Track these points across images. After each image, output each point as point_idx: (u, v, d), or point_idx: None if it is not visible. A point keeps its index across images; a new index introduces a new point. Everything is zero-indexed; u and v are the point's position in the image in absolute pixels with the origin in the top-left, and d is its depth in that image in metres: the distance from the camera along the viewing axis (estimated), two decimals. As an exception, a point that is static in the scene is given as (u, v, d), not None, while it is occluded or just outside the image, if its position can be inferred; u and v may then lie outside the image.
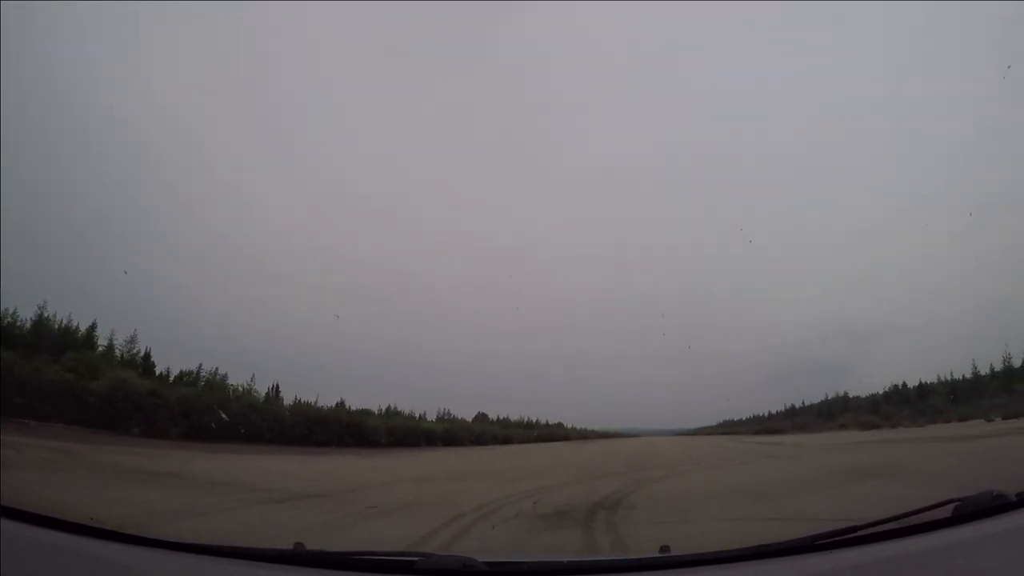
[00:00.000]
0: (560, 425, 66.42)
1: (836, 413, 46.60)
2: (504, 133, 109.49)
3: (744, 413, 73.18)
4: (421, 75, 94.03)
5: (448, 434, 40.43)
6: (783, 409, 60.22)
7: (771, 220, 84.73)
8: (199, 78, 73.39)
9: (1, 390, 16.89)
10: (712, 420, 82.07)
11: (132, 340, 29.74)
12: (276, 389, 32.74)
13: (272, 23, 74.63)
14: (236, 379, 30.99)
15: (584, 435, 68.53)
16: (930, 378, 41.79)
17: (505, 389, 67.62)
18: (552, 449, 38.21)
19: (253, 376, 30.61)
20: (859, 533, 1.96)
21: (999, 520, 1.87)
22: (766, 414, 64.83)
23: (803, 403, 56.35)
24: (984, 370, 37.36)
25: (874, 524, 1.99)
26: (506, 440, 48.94)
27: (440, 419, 45.86)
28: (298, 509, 9.57)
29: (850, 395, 49.11)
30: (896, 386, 43.52)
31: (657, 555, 2.27)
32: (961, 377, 38.67)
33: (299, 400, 32.57)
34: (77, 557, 2.02)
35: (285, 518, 8.46)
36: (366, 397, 39.59)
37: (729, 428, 72.58)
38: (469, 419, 50.00)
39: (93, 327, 28.36)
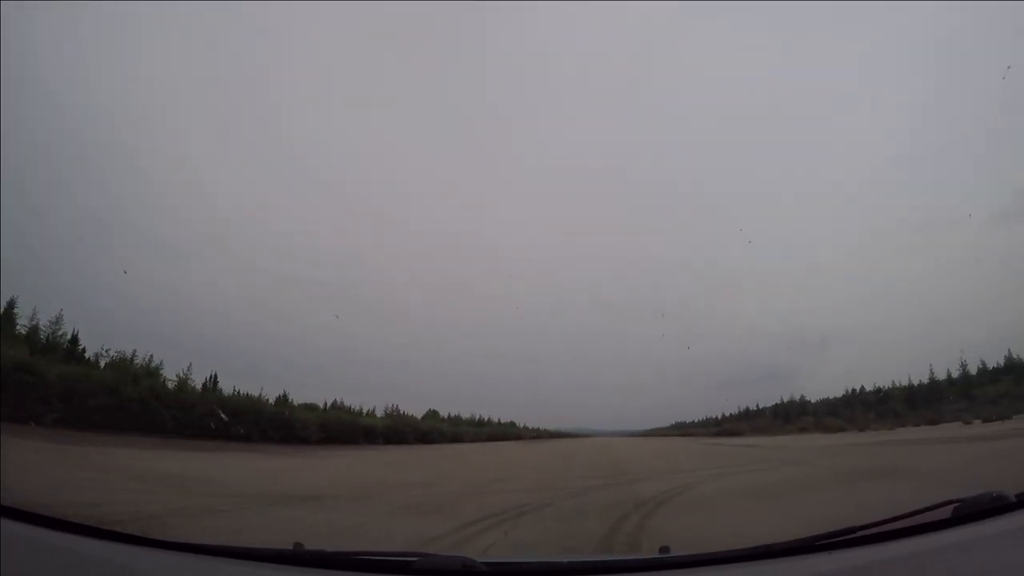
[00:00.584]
0: (512, 424, 65.95)
1: (793, 416, 46.76)
2: (475, 132, 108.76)
3: (695, 415, 74.01)
4: (405, 75, 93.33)
5: (391, 431, 37.64)
6: (736, 412, 60.04)
7: (726, 228, 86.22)
8: (194, 77, 72.45)
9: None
10: (663, 422, 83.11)
11: (57, 321, 26.98)
12: (214, 379, 30.22)
13: (262, 23, 72.91)
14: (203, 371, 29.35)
15: (538, 435, 68.06)
16: (881, 384, 42.18)
17: (457, 387, 67.70)
18: (504, 450, 34.95)
19: (190, 365, 28.10)
20: (859, 534, 1.97)
21: (998, 521, 1.88)
22: (720, 416, 64.16)
23: (757, 406, 56.08)
24: (940, 376, 38.32)
25: (874, 524, 2.00)
26: (455, 438, 46.86)
27: (388, 415, 43.58)
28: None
29: (806, 399, 49.20)
30: (854, 390, 43.68)
31: (657, 555, 2.27)
32: (918, 383, 39.57)
33: (238, 392, 29.95)
34: (77, 557, 2.01)
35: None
36: (322, 392, 39.60)
37: (682, 430, 72.54)
38: (420, 416, 48.39)
39: (12, 305, 25.74)
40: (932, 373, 38.36)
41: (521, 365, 78.17)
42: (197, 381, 28.67)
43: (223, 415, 24.24)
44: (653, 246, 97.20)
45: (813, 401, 48.27)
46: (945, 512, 1.98)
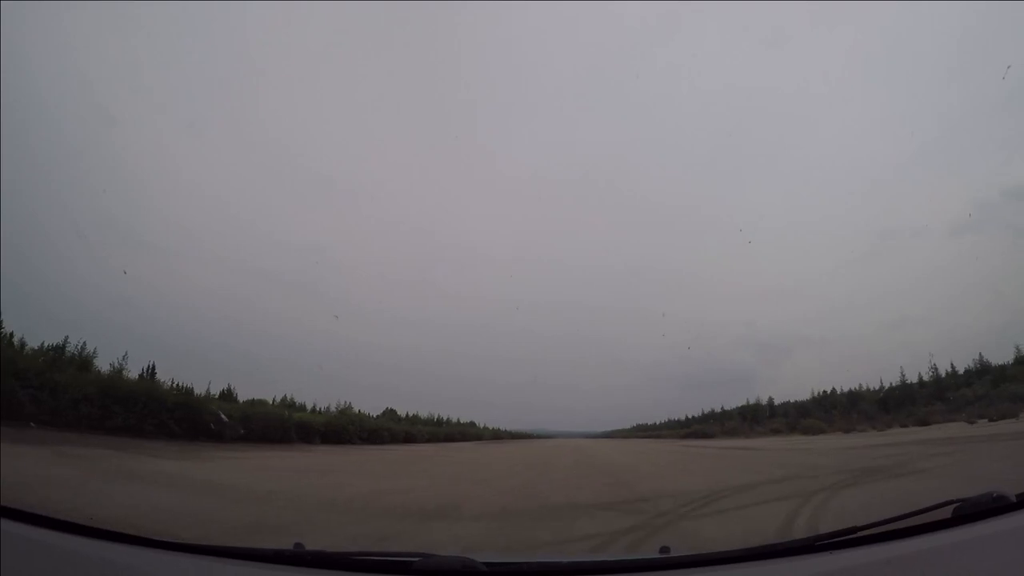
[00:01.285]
0: (472, 424, 65.82)
1: (763, 418, 46.63)
2: (447, 132, 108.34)
3: (656, 417, 75.35)
4: (399, 79, 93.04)
5: (330, 428, 33.72)
6: (700, 414, 61.43)
7: (692, 234, 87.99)
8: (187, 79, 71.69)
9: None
10: (624, 423, 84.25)
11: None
12: (151, 369, 27.26)
13: (241, 25, 71.60)
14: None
15: (497, 435, 68.22)
16: (846, 387, 42.77)
17: (417, 387, 68.44)
18: (461, 454, 28.82)
19: (126, 354, 25.10)
20: (859, 534, 1.99)
21: (999, 521, 1.90)
22: (684, 418, 66.07)
23: (722, 408, 56.71)
24: (910, 379, 38.67)
25: (874, 525, 2.01)
26: (408, 438, 43.53)
27: (342, 412, 40.12)
28: None
29: (774, 402, 49.57)
30: (825, 392, 43.89)
31: (657, 555, 2.27)
32: (889, 385, 40.07)
33: (178, 385, 27.31)
34: (77, 557, 2.01)
35: None
36: (280, 389, 39.55)
37: (645, 431, 73.40)
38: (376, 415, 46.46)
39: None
40: (903, 376, 38.91)
41: (480, 366, 78.71)
42: (133, 371, 25.54)
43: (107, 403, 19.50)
44: (620, 250, 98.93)
45: (778, 403, 48.71)
46: (945, 512, 2.00)
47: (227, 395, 32.72)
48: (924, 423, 28.09)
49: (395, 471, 16.11)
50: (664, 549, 2.48)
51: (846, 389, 42.58)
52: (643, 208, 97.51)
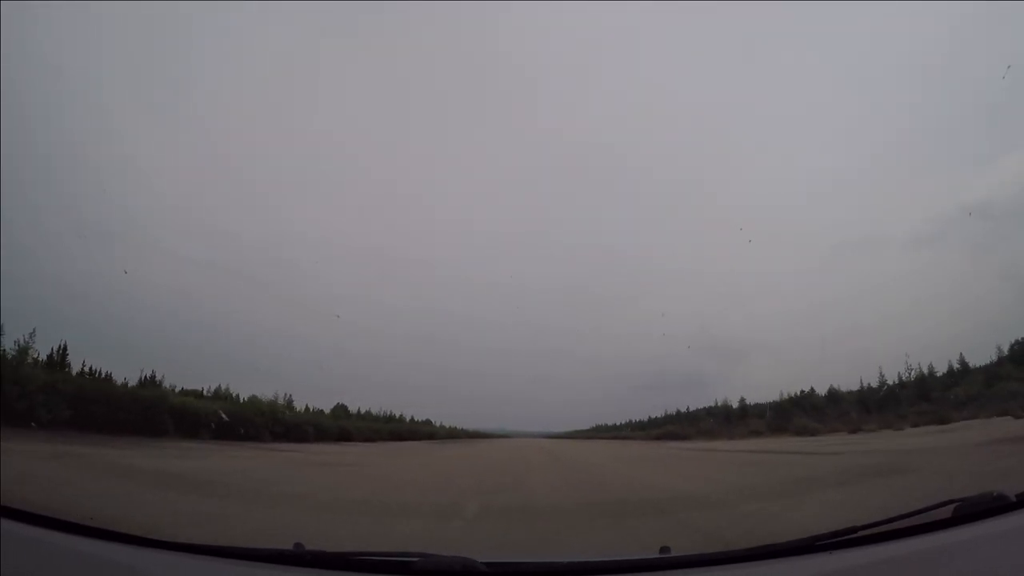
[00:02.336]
0: (428, 422, 63.51)
1: (735, 419, 45.40)
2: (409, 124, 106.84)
3: (615, 418, 74.30)
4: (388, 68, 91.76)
5: (235, 419, 26.44)
6: (662, 415, 59.85)
7: (653, 234, 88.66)
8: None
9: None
10: (583, 424, 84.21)
11: None
12: (62, 349, 25.03)
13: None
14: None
15: (453, 434, 66.32)
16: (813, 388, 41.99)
17: (370, 383, 66.21)
18: (403, 458, 23.39)
19: (33, 331, 22.31)
20: (859, 534, 1.98)
21: (999, 521, 1.89)
22: (646, 419, 64.02)
23: (687, 408, 55.56)
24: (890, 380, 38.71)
25: (874, 525, 2.01)
26: (341, 435, 36.78)
27: (251, 400, 33.55)
28: None
29: (745, 401, 48.06)
30: (803, 391, 42.53)
31: (657, 555, 2.26)
32: (867, 386, 39.76)
33: (91, 369, 25.57)
34: (77, 557, 2.01)
35: None
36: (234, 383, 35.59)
37: (605, 432, 72.14)
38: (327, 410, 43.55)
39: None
40: (883, 376, 38.71)
41: (435, 362, 78.16)
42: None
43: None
44: (579, 248, 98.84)
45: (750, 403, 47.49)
46: (945, 512, 2.00)
47: (148, 382, 28.56)
48: (943, 421, 25.70)
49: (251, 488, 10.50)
50: (664, 549, 2.45)
51: (831, 387, 41.66)
52: (605, 209, 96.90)
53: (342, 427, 39.12)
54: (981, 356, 34.46)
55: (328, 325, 68.81)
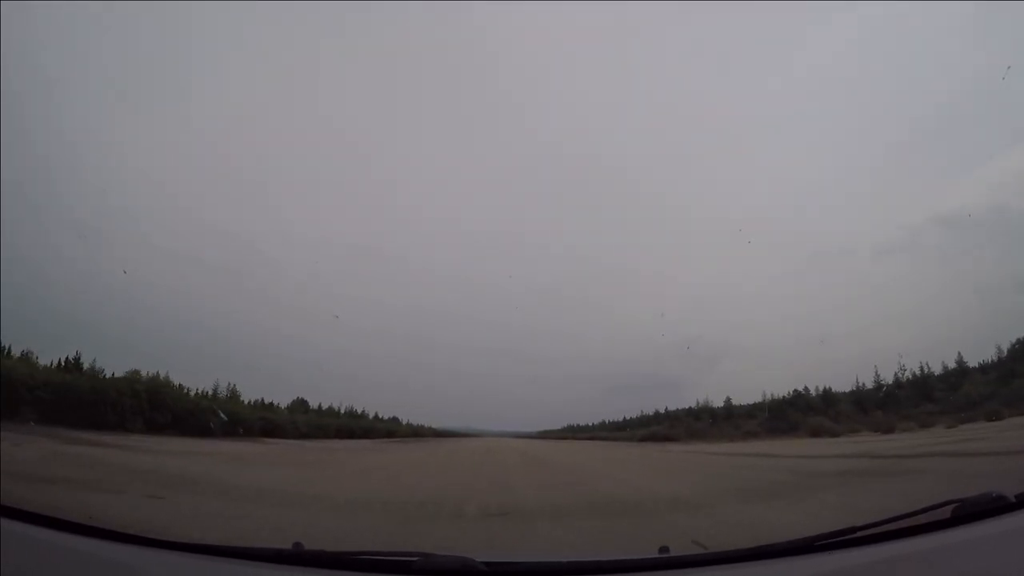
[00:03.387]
0: (395, 420, 61.90)
1: (720, 419, 44.32)
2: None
3: (587, 418, 73.87)
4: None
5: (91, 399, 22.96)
6: (638, 415, 59.26)
7: (629, 238, 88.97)
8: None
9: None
10: (554, 424, 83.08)
11: None
12: None
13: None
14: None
15: (417, 432, 64.36)
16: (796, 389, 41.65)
17: (332, 379, 65.66)
18: (327, 466, 18.44)
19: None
20: (859, 534, 1.98)
21: (998, 521, 1.90)
22: (623, 419, 63.27)
23: (666, 409, 54.43)
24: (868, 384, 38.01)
25: (874, 525, 2.01)
26: (266, 430, 32.90)
27: (153, 380, 28.64)
28: None
29: (731, 402, 47.18)
30: (798, 391, 41.70)
31: (657, 555, 2.27)
32: (862, 386, 39.00)
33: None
34: (77, 557, 2.01)
35: None
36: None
37: (578, 432, 71.32)
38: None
39: None
40: (878, 376, 38.32)
41: (403, 358, 77.67)
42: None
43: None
44: (554, 249, 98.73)
45: (740, 405, 46.53)
46: (945, 512, 2.00)
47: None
48: (996, 417, 23.36)
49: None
50: (664, 549, 2.46)
51: (825, 387, 41.17)
52: (575, 209, 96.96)
53: (265, 418, 35.80)
54: (978, 356, 34.56)
55: (299, 319, 68.91)
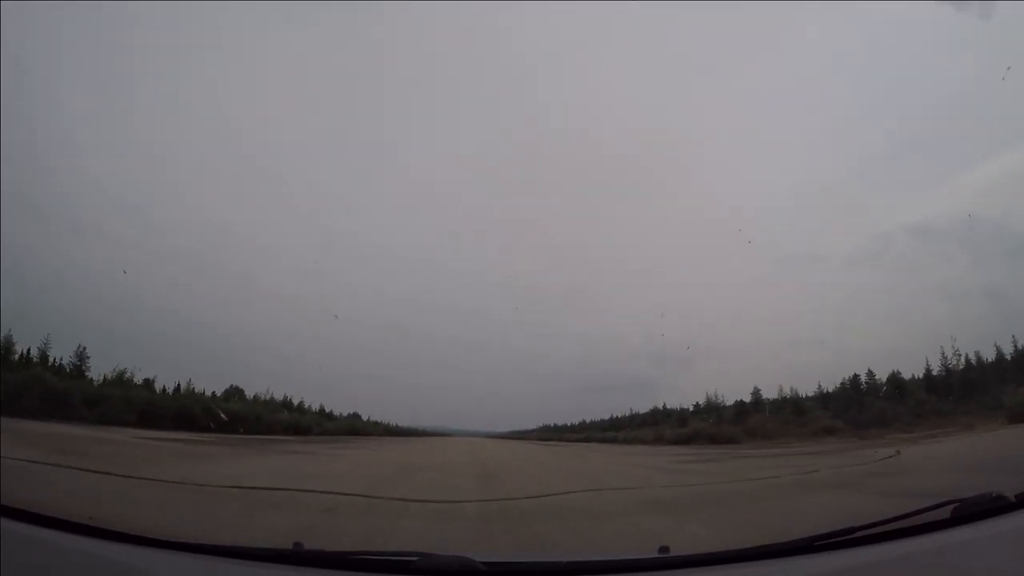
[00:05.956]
0: (357, 416, 55.93)
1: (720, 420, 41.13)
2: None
3: (562, 418, 74.11)
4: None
5: None
6: (627, 413, 58.16)
7: (607, 238, 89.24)
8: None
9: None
10: (528, 423, 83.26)
11: None
12: None
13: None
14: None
15: (389, 431, 59.55)
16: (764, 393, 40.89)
17: (305, 377, 64.00)
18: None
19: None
20: (859, 534, 1.98)
21: (998, 521, 1.89)
22: (599, 420, 62.77)
23: (664, 406, 52.57)
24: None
25: (874, 525, 2.00)
26: (183, 421, 28.40)
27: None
28: None
29: (724, 402, 44.95)
30: (796, 392, 39.78)
31: (656, 555, 2.26)
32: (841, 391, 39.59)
33: None
34: (77, 557, 2.01)
35: None
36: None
37: (554, 433, 70.68)
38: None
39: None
40: (873, 376, 37.97)
41: (371, 357, 77.09)
42: None
43: None
44: (532, 245, 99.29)
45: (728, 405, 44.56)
46: (945, 512, 2.00)
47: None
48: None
49: None
50: (663, 549, 2.45)
51: (799, 393, 39.96)
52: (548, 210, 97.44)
53: (183, 407, 31.03)
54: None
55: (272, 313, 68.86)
